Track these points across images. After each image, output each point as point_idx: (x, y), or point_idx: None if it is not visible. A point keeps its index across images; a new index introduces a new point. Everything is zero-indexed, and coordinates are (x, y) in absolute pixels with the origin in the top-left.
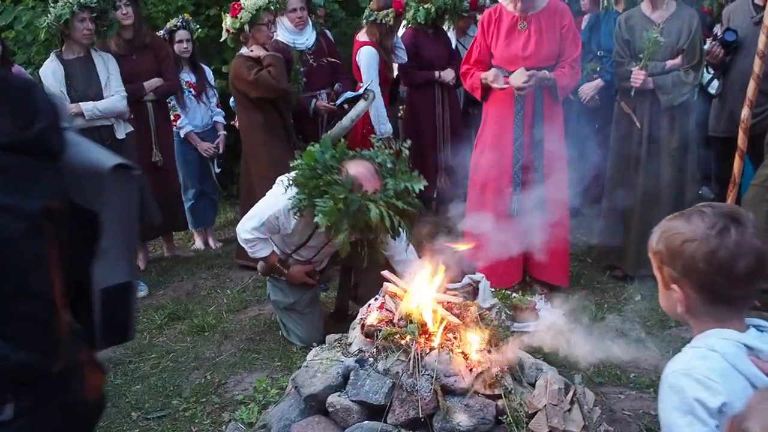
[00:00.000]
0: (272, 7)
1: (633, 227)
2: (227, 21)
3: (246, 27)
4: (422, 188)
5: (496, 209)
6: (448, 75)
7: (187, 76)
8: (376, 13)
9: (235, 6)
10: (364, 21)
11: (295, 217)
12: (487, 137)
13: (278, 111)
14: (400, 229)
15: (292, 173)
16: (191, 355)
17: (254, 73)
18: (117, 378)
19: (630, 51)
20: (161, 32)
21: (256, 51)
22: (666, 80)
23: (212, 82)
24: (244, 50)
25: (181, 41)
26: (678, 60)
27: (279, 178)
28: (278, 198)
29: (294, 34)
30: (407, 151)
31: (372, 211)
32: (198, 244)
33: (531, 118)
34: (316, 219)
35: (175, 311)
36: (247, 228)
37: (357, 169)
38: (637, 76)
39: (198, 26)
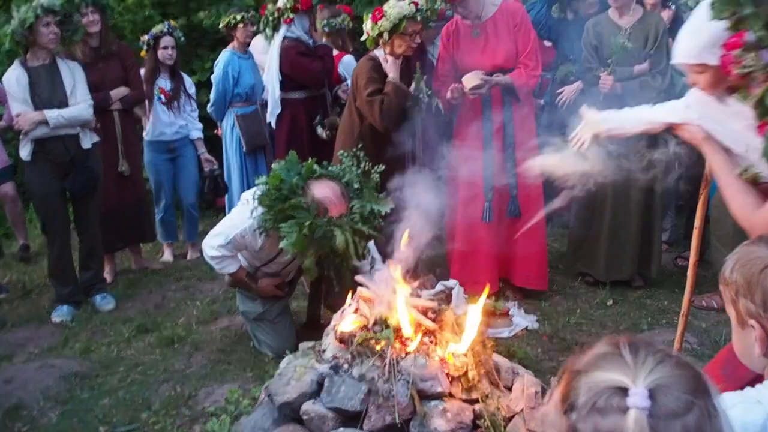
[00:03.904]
0: (419, 17)
1: (603, 233)
2: (367, 23)
3: (385, 35)
4: (389, 211)
5: (470, 215)
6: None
7: (162, 82)
8: (333, 20)
9: (377, 11)
10: (324, 30)
11: (261, 237)
12: (459, 143)
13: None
14: (366, 254)
15: (257, 190)
16: (160, 368)
17: (369, 92)
18: (84, 392)
19: (598, 56)
20: (146, 36)
21: (388, 68)
22: (634, 85)
23: (192, 94)
24: (380, 53)
25: (166, 47)
26: (645, 65)
27: (243, 195)
28: (244, 217)
29: (306, 33)
30: (378, 176)
31: (337, 238)
32: (167, 256)
33: (501, 122)
34: (281, 244)
35: (143, 324)
36: (213, 245)
37: (323, 191)
38: (605, 81)
39: (182, 35)
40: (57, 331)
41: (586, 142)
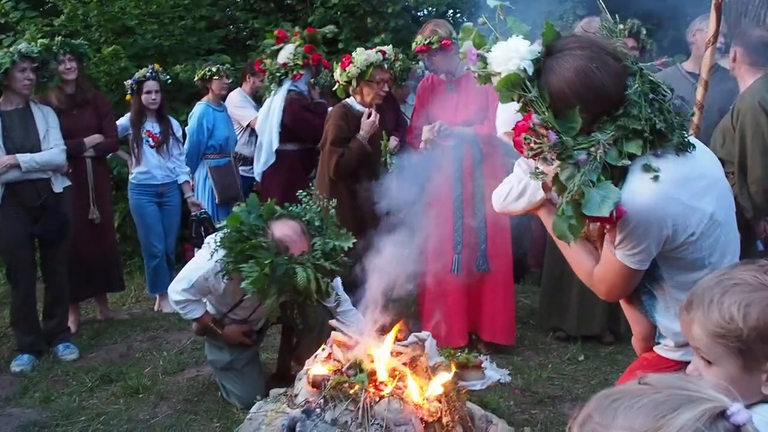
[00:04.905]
0: (386, 65)
1: (574, 288)
2: (337, 71)
3: (354, 81)
4: (351, 246)
5: (438, 267)
6: (391, 143)
7: (149, 126)
8: (321, 78)
9: (345, 58)
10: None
11: (224, 279)
12: (429, 196)
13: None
14: (329, 290)
15: (219, 234)
16: (124, 418)
17: (332, 140)
18: None
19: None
20: (130, 81)
21: (364, 124)
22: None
23: (179, 137)
24: (352, 101)
25: (149, 92)
26: None
27: (206, 239)
28: (206, 260)
29: (304, 87)
30: (333, 210)
31: (299, 275)
32: (166, 308)
33: (471, 173)
34: (242, 285)
35: (107, 373)
36: (177, 290)
37: (283, 230)
38: None
39: (168, 78)
40: (16, 380)
41: None
